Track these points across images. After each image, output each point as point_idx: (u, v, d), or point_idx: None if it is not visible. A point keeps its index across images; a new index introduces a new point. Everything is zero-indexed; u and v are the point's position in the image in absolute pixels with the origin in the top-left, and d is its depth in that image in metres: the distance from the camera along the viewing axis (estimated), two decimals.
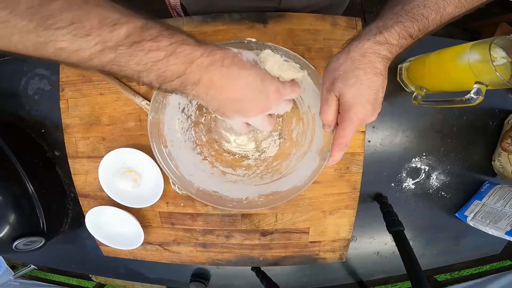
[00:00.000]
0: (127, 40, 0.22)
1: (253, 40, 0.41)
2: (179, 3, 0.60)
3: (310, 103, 0.47)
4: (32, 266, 1.01)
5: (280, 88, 0.31)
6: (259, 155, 0.50)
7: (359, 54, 0.31)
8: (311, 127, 0.47)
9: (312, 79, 0.43)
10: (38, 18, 0.19)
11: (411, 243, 0.50)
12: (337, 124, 0.35)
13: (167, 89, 0.26)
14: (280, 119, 0.50)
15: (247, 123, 0.34)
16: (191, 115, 0.49)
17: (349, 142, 0.34)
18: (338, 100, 0.33)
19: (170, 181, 0.51)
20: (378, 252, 0.66)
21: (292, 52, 0.41)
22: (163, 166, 0.44)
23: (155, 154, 0.43)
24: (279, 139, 0.50)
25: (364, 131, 0.52)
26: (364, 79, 0.30)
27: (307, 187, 0.43)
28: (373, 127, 0.57)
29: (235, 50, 0.29)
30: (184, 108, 0.47)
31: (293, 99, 0.48)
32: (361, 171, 0.53)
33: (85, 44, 0.21)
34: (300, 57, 0.41)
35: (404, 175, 0.60)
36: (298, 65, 0.35)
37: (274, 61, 0.32)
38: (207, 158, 0.50)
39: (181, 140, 0.48)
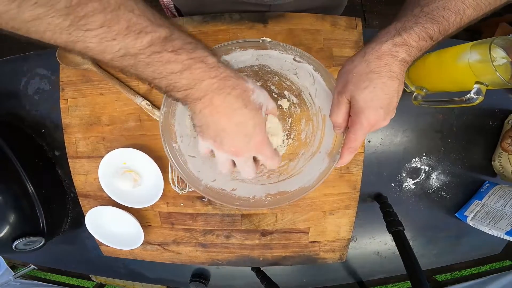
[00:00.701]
0: (148, 49, 0.23)
1: (268, 39, 0.41)
2: (172, 4, 0.60)
3: (321, 104, 0.46)
4: (32, 266, 1.01)
5: (265, 145, 0.32)
6: None
7: (375, 56, 0.30)
8: (321, 128, 0.47)
9: (324, 81, 0.43)
10: (73, 17, 0.19)
11: (411, 243, 0.50)
12: (347, 127, 0.35)
13: (171, 97, 0.27)
14: (290, 119, 0.50)
15: (211, 150, 0.34)
16: None
17: (359, 146, 0.34)
18: (350, 103, 0.33)
19: (170, 180, 0.51)
20: (378, 252, 0.66)
21: (306, 53, 0.41)
22: (173, 161, 0.43)
23: (165, 149, 0.42)
24: (287, 139, 0.50)
25: None
26: (378, 82, 0.29)
27: (315, 188, 0.43)
28: None
29: (251, 85, 0.30)
30: None
31: (303, 101, 0.49)
32: (361, 171, 0.53)
33: (109, 47, 0.22)
34: (314, 58, 0.41)
35: (404, 175, 0.59)
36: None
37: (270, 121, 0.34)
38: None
39: (191, 136, 0.47)
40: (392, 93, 0.30)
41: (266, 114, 0.35)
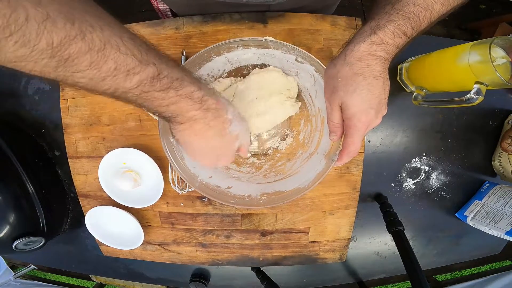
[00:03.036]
0: (137, 88, 0.24)
1: (271, 39, 0.41)
2: (169, 9, 0.60)
3: (321, 106, 0.46)
4: (32, 266, 1.01)
5: (229, 160, 0.37)
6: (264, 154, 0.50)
7: (355, 58, 0.30)
8: (319, 129, 0.47)
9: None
10: (58, 59, 0.19)
11: (411, 243, 0.50)
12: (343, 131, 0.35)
13: (157, 114, 0.29)
14: (289, 120, 0.50)
15: None
16: None
17: (358, 148, 0.34)
18: (341, 108, 0.33)
19: (170, 180, 0.51)
20: (378, 252, 0.66)
21: (308, 54, 0.41)
22: (169, 156, 0.43)
23: (162, 144, 0.43)
24: (284, 140, 0.50)
25: None
26: (364, 84, 0.30)
27: (310, 189, 0.43)
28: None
29: (230, 116, 0.33)
30: None
31: (303, 102, 0.49)
32: (361, 171, 0.53)
33: (99, 86, 0.22)
34: (316, 59, 0.41)
35: (404, 175, 0.59)
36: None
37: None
38: None
39: None
40: (379, 92, 0.31)
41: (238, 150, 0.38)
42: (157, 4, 0.60)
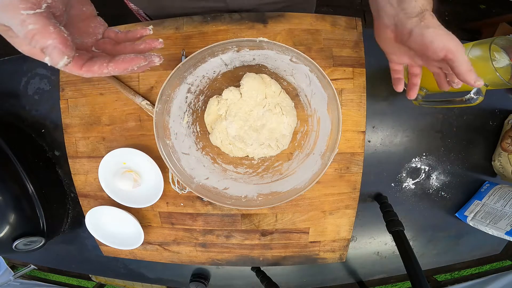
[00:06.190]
0: None
1: (265, 39, 0.41)
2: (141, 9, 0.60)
3: (317, 106, 0.46)
4: (32, 266, 1.01)
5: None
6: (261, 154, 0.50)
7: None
8: (315, 130, 0.47)
9: (320, 82, 0.43)
10: None
11: (411, 243, 0.50)
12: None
13: None
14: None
15: None
16: (197, 109, 0.49)
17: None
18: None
19: (170, 180, 0.51)
20: (378, 252, 0.66)
21: (302, 54, 0.41)
22: (165, 158, 0.43)
23: (158, 145, 0.42)
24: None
25: (364, 131, 0.52)
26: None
27: (307, 189, 0.43)
28: (373, 127, 0.57)
29: None
30: (190, 103, 0.48)
31: (299, 102, 0.49)
32: (361, 171, 0.53)
33: None
34: (310, 59, 0.41)
35: (404, 175, 0.60)
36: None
37: None
38: (209, 153, 0.50)
39: (185, 133, 0.48)
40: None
41: None
42: (129, 4, 0.61)
